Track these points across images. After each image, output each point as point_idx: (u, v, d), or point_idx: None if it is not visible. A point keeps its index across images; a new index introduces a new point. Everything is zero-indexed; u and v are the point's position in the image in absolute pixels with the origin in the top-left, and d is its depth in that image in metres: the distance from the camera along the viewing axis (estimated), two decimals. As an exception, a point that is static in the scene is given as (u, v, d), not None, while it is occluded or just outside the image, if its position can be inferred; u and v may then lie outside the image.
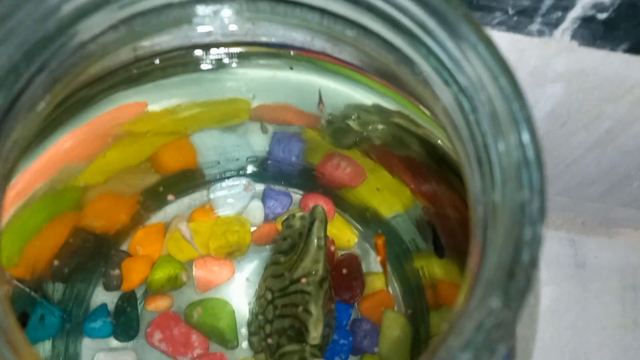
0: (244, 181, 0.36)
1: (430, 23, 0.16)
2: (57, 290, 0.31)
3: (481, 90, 0.15)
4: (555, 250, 0.47)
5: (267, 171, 0.37)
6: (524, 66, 0.32)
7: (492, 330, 0.12)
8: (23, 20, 0.16)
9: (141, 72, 0.28)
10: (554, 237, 0.47)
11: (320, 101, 0.29)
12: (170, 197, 0.34)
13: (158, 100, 0.31)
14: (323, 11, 0.19)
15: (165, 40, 0.26)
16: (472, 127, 0.16)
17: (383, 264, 0.35)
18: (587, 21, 0.28)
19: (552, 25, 0.29)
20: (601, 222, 0.47)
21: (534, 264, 0.12)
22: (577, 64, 0.31)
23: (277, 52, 0.28)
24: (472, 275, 0.14)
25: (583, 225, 0.48)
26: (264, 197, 0.37)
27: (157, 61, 0.27)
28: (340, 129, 0.33)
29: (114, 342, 0.33)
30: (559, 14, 0.28)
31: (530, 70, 0.32)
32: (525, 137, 0.14)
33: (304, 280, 0.30)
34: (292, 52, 0.28)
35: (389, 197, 0.35)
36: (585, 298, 0.46)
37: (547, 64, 0.31)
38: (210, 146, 0.35)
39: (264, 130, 0.33)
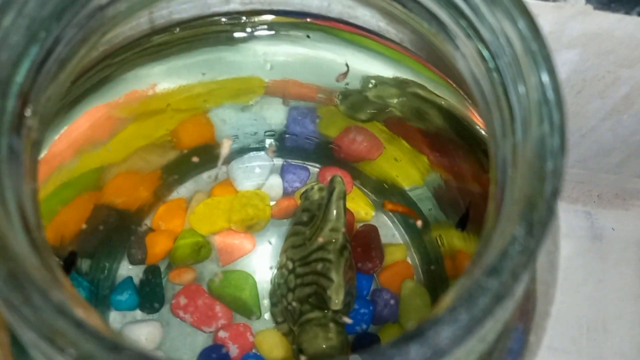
0: (265, 155, 0.37)
1: (448, -28, 0.16)
2: (84, 263, 0.32)
3: (500, 34, 0.15)
4: (571, 223, 0.47)
5: (285, 146, 0.37)
6: (539, 32, 0.32)
7: (517, 257, 0.12)
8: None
9: (160, 44, 0.29)
10: (569, 210, 0.47)
11: (346, 72, 0.30)
12: (194, 158, 0.34)
13: (177, 75, 0.32)
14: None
15: (183, 8, 0.26)
16: (491, 75, 0.16)
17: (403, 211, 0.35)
18: (601, -17, 0.28)
19: (567, -12, 0.29)
20: (617, 194, 0.47)
21: (555, 195, 0.13)
22: (592, 28, 0.31)
23: (295, 21, 0.29)
24: (494, 211, 0.14)
25: (599, 198, 0.48)
26: (283, 172, 0.37)
27: (176, 30, 0.27)
28: (357, 101, 0.34)
29: (139, 314, 0.34)
30: (574, -24, 0.28)
31: (545, 35, 0.32)
32: (544, 76, 0.14)
33: (321, 240, 0.30)
34: (309, 20, 0.28)
35: (407, 168, 0.35)
36: (602, 270, 0.46)
37: (562, 28, 0.31)
38: (228, 121, 0.35)
39: (285, 103, 0.33)
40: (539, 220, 0.12)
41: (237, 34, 0.29)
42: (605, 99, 0.37)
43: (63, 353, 0.10)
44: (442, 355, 0.11)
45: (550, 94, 0.14)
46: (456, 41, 0.17)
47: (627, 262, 0.46)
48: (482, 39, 0.16)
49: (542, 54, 0.14)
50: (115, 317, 0.33)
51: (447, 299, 0.12)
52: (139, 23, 0.25)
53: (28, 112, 0.15)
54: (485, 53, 0.16)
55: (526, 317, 0.17)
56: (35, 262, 0.12)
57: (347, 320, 0.30)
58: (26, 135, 0.16)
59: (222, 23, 0.28)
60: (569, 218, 0.47)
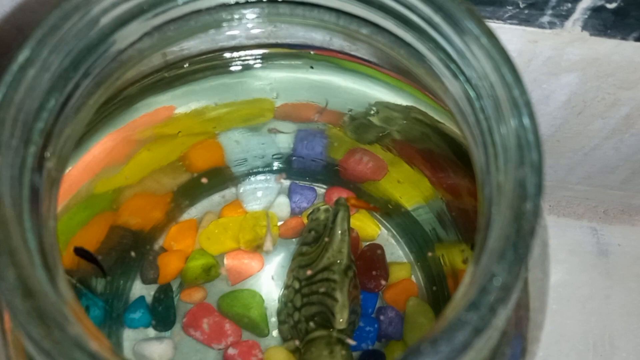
0: (273, 176, 0.38)
1: (436, 18, 0.17)
2: (99, 283, 0.34)
3: (484, 79, 0.16)
4: (577, 239, 0.48)
5: (292, 167, 0.39)
6: (538, 57, 0.33)
7: (494, 293, 0.13)
8: (69, 31, 0.17)
9: (172, 76, 0.30)
10: (575, 226, 0.48)
11: (323, 108, 0.31)
12: (203, 179, 0.35)
13: (187, 102, 0.33)
14: (339, 12, 0.20)
15: (193, 44, 0.27)
16: (477, 113, 0.17)
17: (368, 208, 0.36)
18: (596, 11, 0.29)
19: (563, 16, 0.30)
20: (623, 209, 0.48)
21: (533, 233, 0.14)
22: (590, 53, 0.32)
23: (298, 52, 0.30)
24: (479, 248, 0.15)
25: (605, 214, 0.48)
26: (290, 192, 0.38)
27: (186, 65, 0.29)
28: (361, 124, 0.35)
29: (152, 332, 0.35)
30: (569, 5, 0.29)
31: (544, 60, 0.33)
32: (525, 120, 0.15)
33: (326, 261, 0.32)
34: (312, 52, 0.30)
35: (410, 189, 0.36)
36: (609, 285, 0.46)
37: (561, 54, 0.32)
38: (237, 145, 0.37)
39: (272, 132, 0.35)
40: (517, 258, 0.13)
41: (242, 64, 0.31)
42: (607, 119, 0.38)
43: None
44: (425, 385, 0.12)
45: (530, 137, 0.15)
46: (444, 80, 0.18)
47: (634, 277, 0.47)
48: (468, 81, 0.17)
49: (523, 100, 0.15)
50: (128, 335, 0.35)
51: (431, 331, 0.13)
52: (152, 60, 0.27)
53: (47, 155, 0.17)
54: (472, 93, 0.17)
55: (517, 341, 0.18)
56: (54, 297, 0.13)
57: (351, 342, 0.31)
58: (46, 175, 0.17)
59: (228, 57, 0.30)
60: (575, 234, 0.48)
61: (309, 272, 0.33)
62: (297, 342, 0.33)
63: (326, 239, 0.33)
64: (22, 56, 0.15)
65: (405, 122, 0.33)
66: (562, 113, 0.37)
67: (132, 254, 0.36)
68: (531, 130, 0.15)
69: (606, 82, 0.34)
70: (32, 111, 0.16)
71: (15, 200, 0.14)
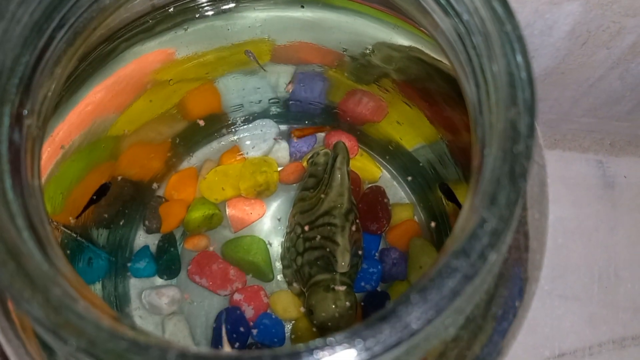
0: (270, 121, 0.37)
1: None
2: (101, 235, 0.34)
3: (475, 13, 0.15)
4: (583, 172, 0.47)
5: (290, 111, 0.38)
6: (540, -14, 0.31)
7: (484, 238, 0.13)
8: (39, -20, 0.17)
9: (157, 22, 0.29)
10: (581, 159, 0.47)
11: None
12: (200, 121, 0.35)
13: (178, 47, 0.32)
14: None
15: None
16: (468, 50, 0.16)
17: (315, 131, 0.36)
18: None
19: (565, -59, 0.28)
20: (630, 141, 0.47)
21: (524, 176, 0.13)
22: (593, -20, 0.31)
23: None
24: (472, 190, 0.15)
25: (611, 146, 0.47)
26: (289, 137, 0.38)
27: (171, 9, 0.28)
28: (359, 64, 0.34)
29: (158, 280, 0.35)
30: None
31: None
32: (518, 57, 0.15)
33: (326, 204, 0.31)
34: (302, -10, 0.28)
35: (410, 130, 0.36)
36: (614, 217, 0.46)
37: (563, -19, 0.31)
38: (233, 90, 0.36)
39: (287, 90, 0.34)
40: (507, 203, 0.13)
41: (231, 5, 0.30)
42: (612, 48, 0.36)
43: (66, 344, 0.12)
44: (414, 333, 0.12)
45: (523, 75, 0.14)
46: (434, 16, 0.17)
47: (639, 209, 0.47)
48: (458, 16, 0.16)
49: (515, 35, 0.14)
50: (135, 284, 0.35)
51: (421, 278, 0.13)
52: (135, 6, 0.26)
53: (25, 112, 0.16)
54: (462, 29, 0.17)
55: (514, 282, 0.18)
56: (39, 258, 0.13)
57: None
58: (26, 133, 0.16)
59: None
60: (580, 167, 0.47)
61: (309, 217, 0.33)
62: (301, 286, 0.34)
63: (326, 184, 0.33)
64: (-13, 10, 0.15)
65: (403, 60, 0.32)
66: (566, 44, 0.36)
67: (134, 204, 0.36)
68: (524, 67, 0.14)
69: (610, 10, 0.33)
70: (6, 68, 0.15)
71: (-8, 162, 0.14)
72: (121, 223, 0.35)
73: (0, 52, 0.15)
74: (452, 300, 0.12)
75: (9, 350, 0.17)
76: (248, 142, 0.37)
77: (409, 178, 0.37)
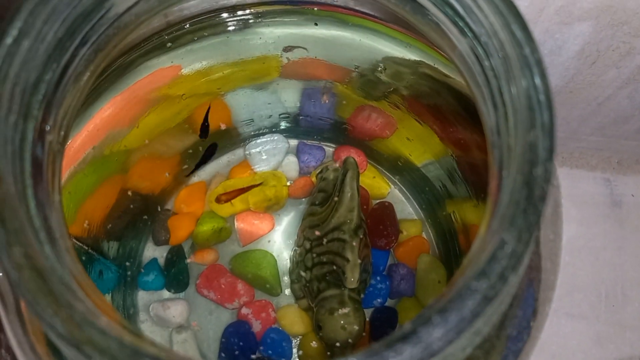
0: (280, 136, 0.37)
1: (443, -26, 0.16)
2: (111, 247, 0.34)
3: (494, 36, 0.16)
4: (590, 190, 0.47)
5: (300, 126, 0.38)
6: (550, 6, 0.32)
7: (504, 260, 0.13)
8: (63, -1, 0.17)
9: (173, 37, 0.29)
10: (588, 177, 0.47)
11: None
12: (222, 125, 0.35)
13: (191, 63, 0.32)
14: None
15: (193, 4, 0.27)
16: (487, 72, 0.16)
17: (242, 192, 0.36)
18: (612, -44, 0.28)
19: (577, -38, 0.28)
20: (637, 159, 0.47)
21: (544, 199, 0.13)
22: (604, 0, 0.31)
23: (302, 9, 0.29)
24: (490, 212, 0.15)
25: (619, 164, 0.47)
26: (298, 152, 0.38)
27: (187, 25, 0.28)
28: (369, 81, 0.34)
29: (166, 293, 0.35)
30: (583, -50, 0.28)
31: (556, 9, 0.32)
32: (537, 79, 0.15)
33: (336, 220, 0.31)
34: (315, 9, 0.29)
35: (420, 146, 0.36)
36: (622, 236, 0.46)
37: (574, 2, 0.31)
38: (243, 105, 0.36)
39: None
40: (527, 225, 0.13)
41: (244, 23, 0.30)
42: (621, 68, 0.37)
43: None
44: (435, 354, 0.12)
45: (542, 98, 0.14)
46: (451, 37, 0.18)
47: (647, 228, 0.47)
48: (477, 38, 0.17)
49: (534, 58, 0.15)
50: (142, 297, 0.35)
51: (440, 298, 0.13)
52: (152, 22, 0.26)
53: (48, 127, 0.16)
54: (480, 51, 0.17)
55: (528, 302, 0.18)
56: (62, 274, 0.13)
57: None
58: (48, 149, 0.17)
59: (230, 16, 0.29)
60: (588, 185, 0.47)
61: (317, 234, 0.33)
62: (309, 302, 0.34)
63: (336, 199, 0.33)
64: (14, 28, 0.15)
65: (413, 77, 0.33)
66: (575, 63, 0.36)
67: (143, 217, 0.36)
68: (543, 90, 0.15)
69: (621, 31, 0.33)
70: (30, 85, 0.16)
71: (17, 177, 0.14)
72: (131, 236, 0.36)
73: (25, 69, 0.16)
74: (472, 321, 0.12)
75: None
76: (257, 157, 0.38)
77: (418, 194, 0.37)
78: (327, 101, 0.34)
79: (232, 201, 0.37)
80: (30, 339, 0.16)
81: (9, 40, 0.15)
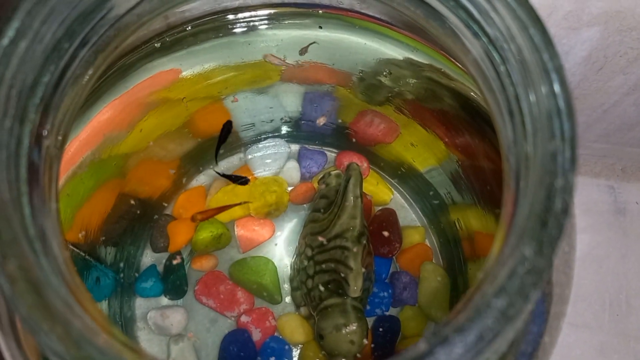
0: (281, 141, 0.37)
1: (458, -24, 0.16)
2: (109, 253, 0.33)
3: (511, 41, 0.15)
4: (594, 198, 0.47)
5: (301, 131, 0.37)
6: (558, 10, 0.31)
7: (525, 277, 0.12)
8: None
9: (174, 40, 0.29)
10: (592, 184, 0.47)
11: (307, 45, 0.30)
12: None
13: (191, 66, 0.32)
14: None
15: (195, 6, 0.26)
16: (502, 78, 0.16)
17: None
18: (622, -39, 0.27)
19: (586, -33, 0.28)
20: (642, 167, 0.47)
21: (566, 212, 0.13)
22: (613, 6, 0.30)
23: (306, 11, 0.29)
24: (506, 225, 0.14)
25: (623, 172, 0.47)
26: (300, 157, 0.37)
27: (188, 28, 0.27)
28: (372, 85, 0.33)
29: (164, 300, 0.35)
30: (593, -46, 0.27)
31: (564, 14, 0.31)
32: (557, 86, 0.14)
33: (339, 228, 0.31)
34: (320, 11, 0.28)
35: (423, 151, 0.35)
36: (625, 244, 0.46)
37: (582, 7, 0.31)
38: (244, 109, 0.35)
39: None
40: (549, 239, 0.12)
41: (247, 25, 0.29)
42: (628, 74, 0.36)
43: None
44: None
45: (562, 105, 0.14)
46: (465, 42, 0.17)
47: (651, 236, 0.46)
48: (492, 43, 0.16)
49: (554, 64, 0.14)
50: (140, 304, 0.34)
51: (459, 315, 0.13)
52: (153, 24, 0.25)
53: (45, 132, 0.16)
54: (496, 56, 0.16)
55: (540, 318, 0.17)
56: (58, 287, 0.13)
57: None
58: (45, 154, 0.16)
59: (232, 18, 0.28)
60: (591, 192, 0.47)
61: (321, 239, 0.32)
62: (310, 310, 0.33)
63: (338, 206, 0.32)
64: (11, 29, 0.14)
65: (419, 81, 0.32)
66: (582, 69, 0.36)
67: (141, 223, 0.35)
68: (563, 97, 0.14)
69: (629, 36, 0.33)
70: (26, 87, 0.15)
71: (11, 184, 0.14)
72: (128, 241, 0.35)
73: (22, 71, 0.15)
74: (492, 340, 0.12)
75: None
76: (258, 162, 0.37)
77: (421, 201, 0.37)
78: (322, 124, 0.34)
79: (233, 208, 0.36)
80: (25, 353, 0.16)
81: (5, 41, 0.14)
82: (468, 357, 0.12)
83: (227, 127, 0.33)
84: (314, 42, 0.30)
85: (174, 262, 0.34)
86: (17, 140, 0.14)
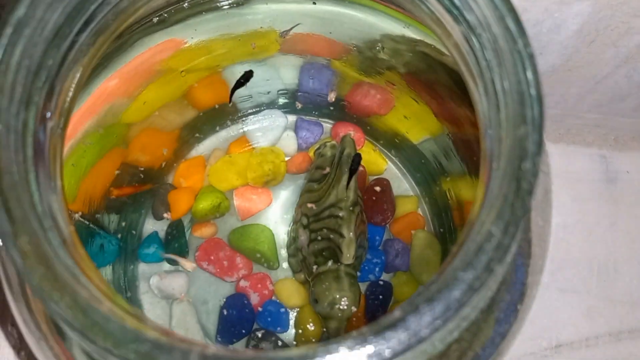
0: (279, 112, 0.38)
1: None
2: (112, 221, 0.34)
3: (487, 29, 0.16)
4: (585, 167, 0.47)
5: (298, 102, 0.38)
6: (550, -15, 0.32)
7: (491, 252, 0.13)
8: (63, -15, 0.17)
9: (173, 14, 0.29)
10: (584, 153, 0.47)
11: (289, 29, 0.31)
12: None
13: (190, 37, 0.33)
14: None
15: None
16: (480, 64, 0.17)
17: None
18: None
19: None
20: (634, 136, 0.47)
21: (530, 193, 0.14)
22: (604, -19, 0.31)
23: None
24: (480, 200, 0.15)
25: (615, 141, 0.48)
26: (296, 128, 0.38)
27: (186, 4, 0.28)
28: (367, 58, 0.34)
29: (166, 266, 0.36)
30: None
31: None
32: (529, 74, 0.15)
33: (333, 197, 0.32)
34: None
35: (416, 123, 0.36)
36: (615, 212, 0.47)
37: (574, -19, 0.31)
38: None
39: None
40: (514, 218, 0.14)
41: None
42: (619, 47, 0.37)
43: (95, 344, 0.12)
44: (422, 340, 0.13)
45: (532, 92, 0.15)
46: (446, 26, 0.18)
47: (640, 204, 0.47)
48: (471, 29, 0.17)
49: (526, 53, 0.15)
50: (143, 269, 0.36)
51: (431, 286, 0.14)
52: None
53: (49, 114, 0.17)
54: (475, 42, 0.17)
55: (516, 287, 0.19)
56: (66, 259, 0.14)
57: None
58: (50, 135, 0.17)
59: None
60: (583, 162, 0.48)
61: (310, 206, 0.34)
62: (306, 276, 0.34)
63: (333, 177, 0.33)
64: (15, 17, 0.15)
65: (411, 55, 0.33)
66: (574, 42, 0.36)
67: (143, 191, 0.37)
68: (534, 85, 0.15)
69: (620, 10, 0.33)
70: (31, 72, 0.16)
71: (20, 165, 0.15)
72: (131, 209, 0.36)
73: (26, 57, 0.16)
74: (458, 310, 0.13)
75: (30, 340, 0.18)
76: (256, 133, 0.38)
77: (414, 171, 0.38)
78: (333, 99, 0.35)
79: (230, 176, 0.37)
80: (35, 317, 0.17)
81: (9, 29, 0.15)
82: (436, 324, 0.13)
83: (248, 75, 0.34)
84: (298, 24, 0.30)
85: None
86: (24, 123, 0.15)
